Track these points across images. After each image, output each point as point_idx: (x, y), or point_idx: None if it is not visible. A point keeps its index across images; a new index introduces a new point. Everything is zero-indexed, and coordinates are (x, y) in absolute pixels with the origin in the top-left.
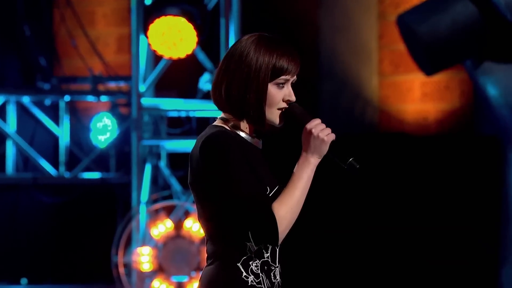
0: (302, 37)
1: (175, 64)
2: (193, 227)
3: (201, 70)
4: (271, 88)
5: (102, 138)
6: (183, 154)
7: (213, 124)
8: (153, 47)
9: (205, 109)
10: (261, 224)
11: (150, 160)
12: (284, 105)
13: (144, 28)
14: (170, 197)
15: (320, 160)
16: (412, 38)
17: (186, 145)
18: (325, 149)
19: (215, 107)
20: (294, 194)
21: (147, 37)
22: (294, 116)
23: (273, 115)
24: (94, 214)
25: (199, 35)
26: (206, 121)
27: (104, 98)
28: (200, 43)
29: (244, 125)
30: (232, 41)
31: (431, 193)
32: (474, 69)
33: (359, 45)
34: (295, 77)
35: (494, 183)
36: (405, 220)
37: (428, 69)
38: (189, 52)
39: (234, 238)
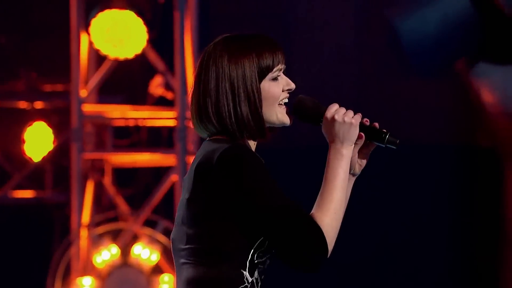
0: (270, 34)
1: (122, 65)
2: (142, 254)
3: (152, 72)
4: (268, 85)
5: (36, 150)
6: (131, 170)
7: (213, 138)
8: (96, 46)
9: (157, 117)
10: (306, 239)
11: (93, 176)
12: (286, 95)
13: (85, 23)
14: (116, 219)
15: (352, 148)
16: (396, 36)
17: (134, 158)
18: (355, 133)
19: (168, 115)
20: (334, 196)
21: (88, 34)
22: (307, 110)
23: (279, 114)
24: (27, 239)
25: (149, 31)
26: (157, 131)
27: (39, 104)
28: (151, 41)
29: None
30: (188, 38)
31: (425, 208)
32: (468, 72)
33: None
34: (284, 64)
35: (492, 197)
36: (402, 236)
37: (415, 71)
38: (138, 51)
39: (237, 263)
